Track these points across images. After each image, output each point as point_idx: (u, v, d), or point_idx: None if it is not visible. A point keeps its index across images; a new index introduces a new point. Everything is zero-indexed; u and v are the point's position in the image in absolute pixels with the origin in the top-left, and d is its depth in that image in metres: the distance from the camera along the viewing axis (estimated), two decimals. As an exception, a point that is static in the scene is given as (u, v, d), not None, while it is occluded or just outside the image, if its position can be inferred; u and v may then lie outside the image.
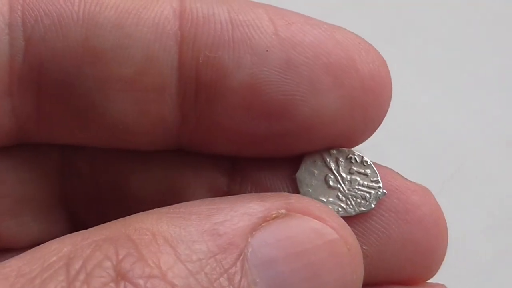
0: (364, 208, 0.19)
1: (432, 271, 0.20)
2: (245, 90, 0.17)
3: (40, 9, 0.16)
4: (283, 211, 0.16)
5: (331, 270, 0.15)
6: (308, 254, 0.15)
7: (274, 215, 0.16)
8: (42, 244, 0.14)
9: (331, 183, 0.19)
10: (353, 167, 0.19)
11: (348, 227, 0.16)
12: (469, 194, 0.42)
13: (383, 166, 0.19)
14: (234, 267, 0.14)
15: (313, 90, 0.17)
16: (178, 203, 0.19)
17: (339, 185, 0.19)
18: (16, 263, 0.14)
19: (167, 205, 0.18)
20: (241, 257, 0.15)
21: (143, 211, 0.15)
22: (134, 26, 0.16)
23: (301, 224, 0.16)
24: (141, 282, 0.13)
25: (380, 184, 0.19)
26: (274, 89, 0.17)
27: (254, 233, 0.15)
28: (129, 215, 0.17)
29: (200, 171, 0.20)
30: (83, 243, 0.14)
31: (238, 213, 0.15)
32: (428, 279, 0.20)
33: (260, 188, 0.19)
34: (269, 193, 0.17)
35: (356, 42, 0.17)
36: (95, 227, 0.15)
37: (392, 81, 0.19)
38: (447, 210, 0.44)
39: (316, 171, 0.19)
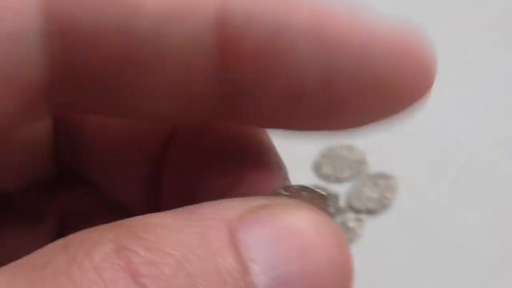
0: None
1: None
2: (281, 98, 0.17)
3: (77, 17, 0.16)
4: (266, 202, 0.16)
5: (326, 252, 0.16)
6: (297, 233, 0.15)
7: (260, 206, 0.16)
8: (33, 252, 0.14)
9: None
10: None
11: (329, 218, 0.17)
12: (476, 193, 0.42)
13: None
14: (225, 247, 0.15)
15: (350, 99, 0.17)
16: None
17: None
18: (13, 263, 0.14)
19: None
20: (233, 238, 0.15)
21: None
22: (171, 37, 0.16)
23: (286, 209, 0.16)
24: (141, 251, 0.14)
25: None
26: (311, 99, 0.17)
27: (242, 220, 0.15)
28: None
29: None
30: (77, 233, 0.14)
31: (224, 206, 0.16)
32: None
33: None
34: (248, 197, 0.17)
35: (404, 45, 0.17)
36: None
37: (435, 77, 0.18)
38: (454, 210, 0.44)
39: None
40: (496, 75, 0.47)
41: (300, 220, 0.16)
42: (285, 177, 0.20)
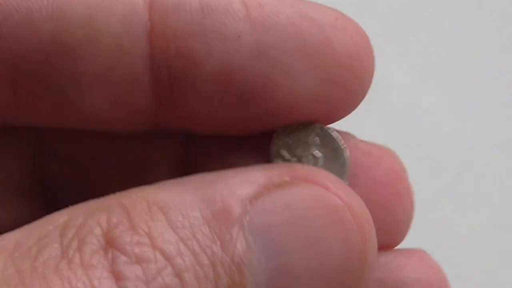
0: None
1: (398, 235, 0.19)
2: (218, 78, 0.17)
3: (10, 4, 0.16)
4: (286, 178, 0.15)
5: (333, 237, 0.15)
6: (308, 221, 0.15)
7: (276, 183, 0.15)
8: (42, 217, 0.15)
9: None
10: (319, 141, 0.19)
11: (356, 195, 0.16)
12: (474, 195, 0.42)
13: (341, 131, 0.19)
14: (228, 234, 0.14)
15: (286, 73, 0.16)
16: (145, 176, 0.19)
17: (302, 162, 0.19)
18: (14, 235, 0.14)
19: (134, 179, 0.18)
20: (237, 224, 0.14)
21: (114, 185, 0.16)
22: (103, 19, 0.16)
23: (303, 190, 0.15)
24: (128, 248, 0.13)
25: (345, 176, 0.19)
26: (246, 75, 0.16)
27: (253, 200, 0.15)
28: (103, 191, 0.17)
29: (162, 146, 0.20)
30: (78, 211, 0.14)
31: (237, 181, 0.15)
32: (397, 244, 0.19)
33: (223, 157, 0.19)
34: (275, 164, 0.17)
35: (333, 19, 0.17)
36: (94, 199, 0.15)
37: (374, 54, 0.18)
38: (452, 211, 0.44)
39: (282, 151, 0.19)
40: (495, 75, 0.47)
41: (313, 206, 0.15)
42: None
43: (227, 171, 0.15)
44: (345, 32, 0.17)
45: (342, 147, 0.19)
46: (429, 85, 0.44)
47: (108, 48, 0.16)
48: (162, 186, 0.15)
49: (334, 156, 0.19)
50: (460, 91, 0.46)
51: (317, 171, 0.16)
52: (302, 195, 0.15)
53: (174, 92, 0.17)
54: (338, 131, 0.19)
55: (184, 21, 0.16)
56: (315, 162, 0.19)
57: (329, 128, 0.19)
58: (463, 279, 0.39)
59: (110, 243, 0.14)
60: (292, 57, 0.16)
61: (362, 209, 0.16)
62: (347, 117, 0.19)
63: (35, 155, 0.20)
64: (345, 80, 0.17)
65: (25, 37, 0.16)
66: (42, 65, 0.16)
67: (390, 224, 0.18)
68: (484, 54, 0.48)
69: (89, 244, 0.13)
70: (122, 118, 0.18)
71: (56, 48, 0.16)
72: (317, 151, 0.19)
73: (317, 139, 0.19)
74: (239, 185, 0.15)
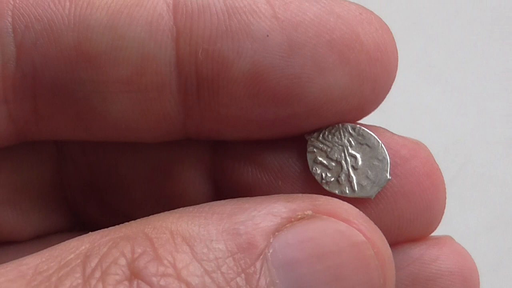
0: (364, 194, 0.19)
1: (431, 225, 0.19)
2: (248, 79, 0.16)
3: (31, 14, 0.16)
4: (309, 212, 0.15)
5: (355, 273, 0.15)
6: (331, 256, 0.15)
7: (299, 216, 0.15)
8: (61, 243, 0.14)
9: (333, 162, 0.19)
10: (353, 141, 0.19)
11: (378, 230, 0.16)
12: (473, 193, 0.42)
13: (371, 126, 0.19)
14: (252, 267, 0.14)
15: (318, 70, 0.16)
16: (167, 181, 0.19)
17: (341, 165, 0.19)
18: (33, 261, 0.14)
19: (158, 185, 0.17)
20: (261, 257, 0.14)
21: (136, 192, 0.15)
22: (127, 26, 0.16)
23: (326, 225, 0.15)
24: (154, 280, 0.13)
25: (387, 169, 0.19)
26: (278, 75, 0.16)
27: (277, 233, 0.15)
28: (124, 197, 0.16)
29: (186, 151, 0.19)
30: (101, 240, 0.14)
31: (262, 213, 0.15)
32: (429, 234, 0.19)
33: (254, 162, 0.19)
34: (297, 194, 0.16)
35: (357, 13, 0.17)
36: (116, 226, 0.15)
37: (396, 45, 0.18)
38: (451, 210, 0.44)
39: (323, 146, 0.19)
40: (495, 74, 0.47)
41: (336, 241, 0.15)
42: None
43: (250, 200, 0.15)
44: (371, 25, 0.17)
45: (379, 142, 0.19)
46: (429, 83, 0.44)
47: (133, 55, 0.16)
48: (186, 215, 0.15)
49: (372, 152, 0.19)
50: (460, 90, 0.46)
51: (340, 204, 0.16)
52: (325, 229, 0.15)
53: (203, 96, 0.17)
54: (368, 126, 0.19)
55: (211, 24, 0.16)
56: (354, 162, 0.19)
57: (359, 126, 0.19)
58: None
59: (135, 274, 0.13)
60: (322, 53, 0.16)
61: (384, 245, 0.15)
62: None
63: (56, 163, 0.20)
64: (374, 73, 0.17)
65: (46, 47, 0.16)
66: (64, 74, 0.16)
67: (427, 214, 0.18)
68: (484, 53, 0.48)
69: (113, 275, 0.13)
70: (149, 127, 0.17)
71: (80, 57, 0.16)
72: (353, 151, 0.19)
73: (350, 139, 0.19)
74: (263, 217, 0.15)
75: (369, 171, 0.19)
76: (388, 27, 0.18)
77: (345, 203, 0.16)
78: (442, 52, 0.46)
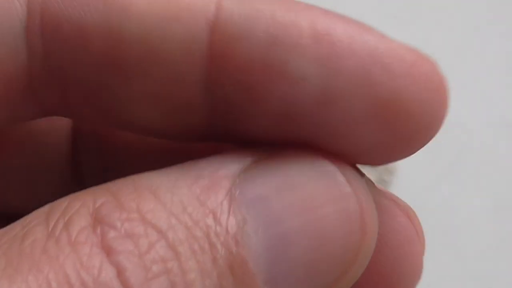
0: None
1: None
2: (278, 116, 0.15)
3: (61, 14, 0.16)
4: (277, 150, 0.15)
5: (329, 201, 0.14)
6: (301, 187, 0.14)
7: (267, 155, 0.15)
8: None
9: None
10: None
11: (360, 177, 0.15)
12: (475, 175, 0.42)
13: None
14: (220, 207, 0.14)
15: (350, 123, 0.15)
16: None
17: None
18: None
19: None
20: (228, 197, 0.14)
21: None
22: (159, 41, 0.15)
23: (295, 158, 0.15)
24: (118, 224, 0.13)
25: None
26: (308, 119, 0.15)
27: (242, 174, 0.14)
28: None
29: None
30: (61, 199, 0.14)
31: (227, 158, 0.15)
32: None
33: None
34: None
35: (410, 65, 0.15)
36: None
37: (449, 101, 0.16)
38: (453, 191, 0.44)
39: None
40: (495, 56, 0.47)
41: (306, 172, 0.14)
42: None
43: (205, 158, 0.15)
44: (421, 80, 0.15)
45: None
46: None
47: (163, 71, 0.15)
48: (149, 172, 0.15)
49: None
50: (458, 73, 0.46)
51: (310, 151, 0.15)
52: (293, 162, 0.15)
53: (230, 120, 0.16)
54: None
55: (248, 54, 0.15)
56: None
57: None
58: (463, 261, 0.39)
59: (98, 220, 0.13)
60: (358, 107, 0.15)
61: (359, 181, 0.15)
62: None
63: (72, 142, 0.20)
64: (412, 133, 0.16)
65: (75, 48, 0.15)
66: (93, 78, 0.16)
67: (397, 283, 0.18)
68: (483, 35, 0.48)
69: (76, 223, 0.13)
70: (173, 135, 0.17)
71: (109, 64, 0.15)
72: None
73: None
74: (228, 161, 0.14)
75: None
76: (443, 80, 0.16)
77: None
78: (441, 34, 0.46)
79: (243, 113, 0.16)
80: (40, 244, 0.13)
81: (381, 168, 0.44)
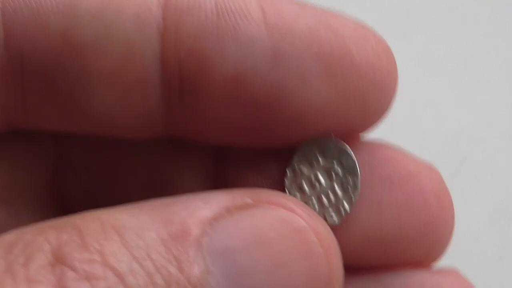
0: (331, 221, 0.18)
1: (435, 249, 0.18)
2: (230, 83, 0.16)
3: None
4: (249, 200, 0.15)
5: (298, 260, 0.14)
6: (271, 243, 0.14)
7: (239, 205, 0.15)
8: None
9: (306, 188, 0.18)
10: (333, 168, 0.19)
11: (320, 218, 0.15)
12: (476, 187, 0.42)
13: (375, 141, 0.19)
14: (185, 254, 0.14)
15: (302, 81, 0.16)
16: (168, 189, 0.19)
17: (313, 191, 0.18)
18: None
19: (158, 192, 0.17)
20: (195, 245, 0.14)
21: (134, 197, 0.15)
22: (114, 17, 0.15)
23: (266, 212, 0.15)
24: (78, 265, 0.13)
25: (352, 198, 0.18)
26: (261, 81, 0.16)
27: (213, 222, 0.14)
28: (122, 202, 0.16)
29: (188, 157, 0.19)
30: (28, 229, 0.14)
31: (198, 203, 0.15)
32: (434, 260, 0.19)
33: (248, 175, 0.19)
34: (240, 188, 0.16)
35: (353, 28, 0.16)
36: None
37: (397, 69, 0.17)
38: (454, 203, 0.44)
39: (303, 170, 0.18)
40: (496, 67, 0.47)
41: (276, 228, 0.14)
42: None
43: (189, 194, 0.15)
44: (366, 42, 0.16)
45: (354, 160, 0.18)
46: (430, 76, 0.44)
47: (119, 46, 0.16)
48: (119, 208, 0.14)
49: (346, 174, 0.18)
50: (461, 83, 0.46)
51: (281, 194, 0.16)
52: (265, 217, 0.15)
53: (185, 95, 0.16)
54: (371, 141, 0.18)
55: (198, 22, 0.16)
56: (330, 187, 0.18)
57: (341, 144, 0.18)
58: (463, 271, 0.39)
59: (58, 260, 0.13)
60: (308, 65, 0.16)
61: (328, 232, 0.15)
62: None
63: (53, 166, 0.20)
64: (363, 91, 0.16)
65: (34, 33, 0.16)
66: (50, 62, 0.16)
67: (432, 235, 0.18)
68: (486, 46, 0.48)
69: (36, 260, 0.13)
70: (131, 121, 0.17)
71: (66, 46, 0.16)
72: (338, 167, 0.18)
73: (334, 161, 0.18)
74: (199, 206, 0.14)
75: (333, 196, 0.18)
76: (389, 48, 0.17)
77: (287, 195, 0.16)
78: (444, 44, 0.46)
79: (197, 85, 0.16)
80: None
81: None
